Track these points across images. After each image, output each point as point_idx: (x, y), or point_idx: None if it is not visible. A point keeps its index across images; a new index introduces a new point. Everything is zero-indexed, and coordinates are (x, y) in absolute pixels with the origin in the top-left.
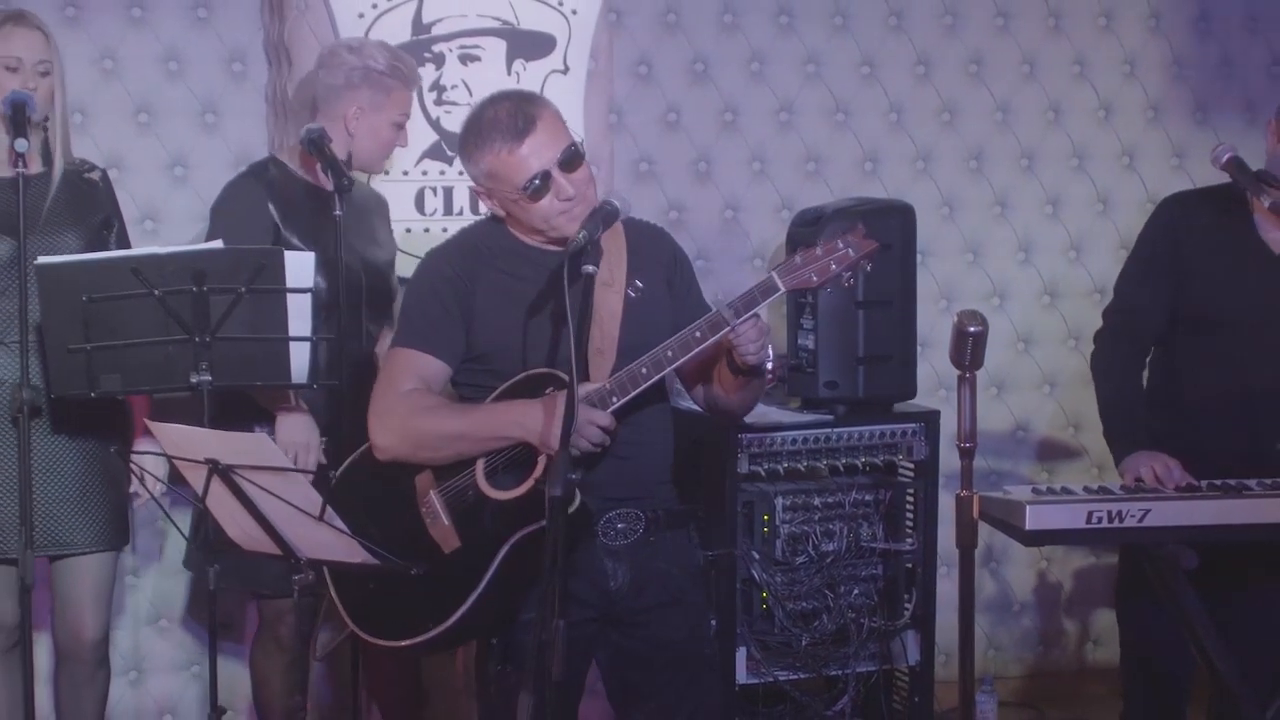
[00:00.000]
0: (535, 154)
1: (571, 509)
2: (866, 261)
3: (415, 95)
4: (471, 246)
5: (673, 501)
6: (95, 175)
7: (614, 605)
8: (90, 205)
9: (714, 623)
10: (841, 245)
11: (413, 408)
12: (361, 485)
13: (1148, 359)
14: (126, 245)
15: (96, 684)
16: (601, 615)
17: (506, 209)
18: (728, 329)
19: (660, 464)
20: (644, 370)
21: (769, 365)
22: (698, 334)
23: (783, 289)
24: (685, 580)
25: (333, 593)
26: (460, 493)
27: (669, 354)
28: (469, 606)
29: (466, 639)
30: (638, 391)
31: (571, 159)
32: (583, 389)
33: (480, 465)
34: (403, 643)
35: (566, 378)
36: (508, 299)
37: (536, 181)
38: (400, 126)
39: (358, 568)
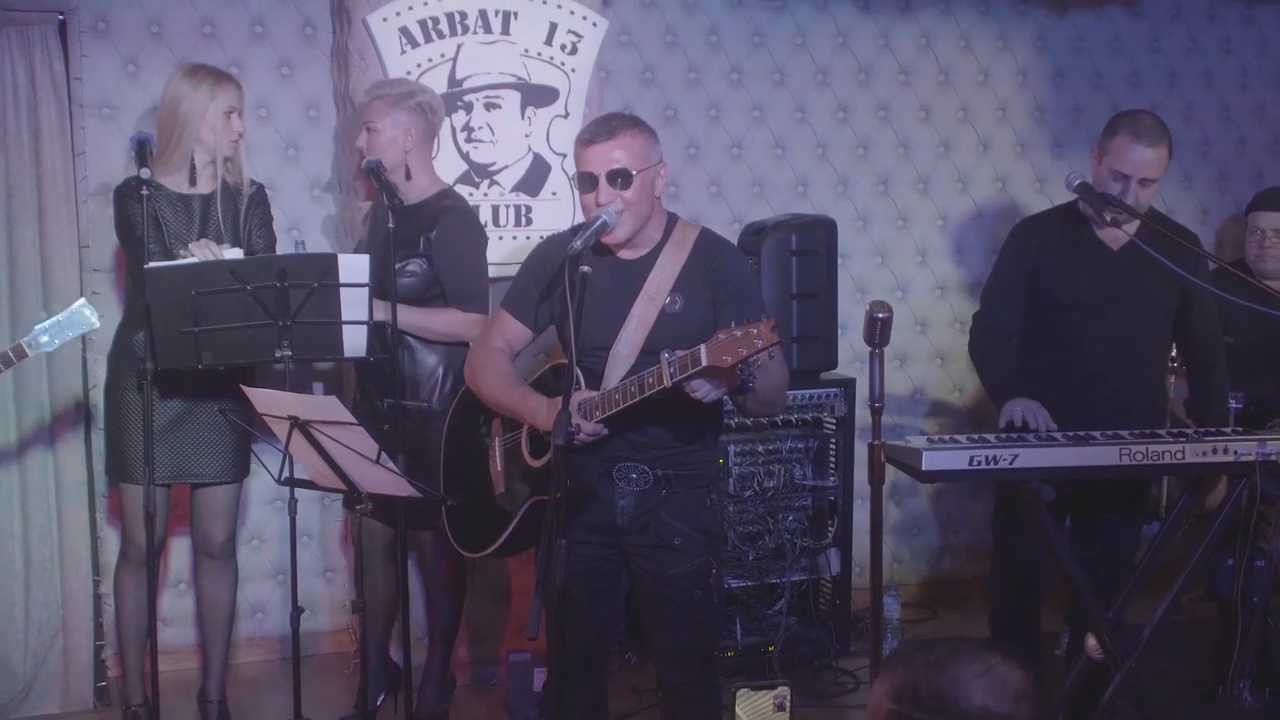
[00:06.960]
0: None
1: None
2: (770, 351)
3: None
4: (572, 237)
5: (687, 467)
6: (253, 190)
7: (619, 537)
8: (242, 219)
9: (715, 572)
10: (754, 333)
11: (485, 364)
12: (472, 410)
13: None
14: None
15: (228, 574)
16: (610, 543)
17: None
18: (660, 387)
19: (669, 436)
20: (616, 397)
21: (750, 384)
22: (649, 380)
23: (705, 363)
24: (688, 531)
25: (445, 519)
26: (511, 449)
27: (632, 389)
28: (499, 544)
29: (523, 550)
30: (614, 412)
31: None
32: (582, 395)
33: (527, 428)
34: (473, 554)
35: (575, 370)
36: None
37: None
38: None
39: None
